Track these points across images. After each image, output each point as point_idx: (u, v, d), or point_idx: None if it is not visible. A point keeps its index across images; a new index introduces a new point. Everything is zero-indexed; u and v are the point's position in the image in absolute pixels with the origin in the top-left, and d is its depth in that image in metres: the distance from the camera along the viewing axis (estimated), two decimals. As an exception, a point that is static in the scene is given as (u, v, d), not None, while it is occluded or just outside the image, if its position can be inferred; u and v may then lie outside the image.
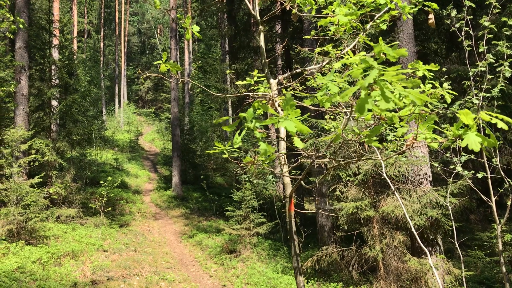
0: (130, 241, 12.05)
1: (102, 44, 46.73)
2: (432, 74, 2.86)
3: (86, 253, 10.18)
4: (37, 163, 11.93)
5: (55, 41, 16.08)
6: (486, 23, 5.85)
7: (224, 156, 2.68)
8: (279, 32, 17.34)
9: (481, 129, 5.56)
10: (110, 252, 10.74)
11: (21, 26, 9.51)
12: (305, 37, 4.13)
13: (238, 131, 2.26)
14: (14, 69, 13.02)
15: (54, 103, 15.18)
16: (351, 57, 2.27)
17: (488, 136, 2.06)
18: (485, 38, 5.97)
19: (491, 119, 1.97)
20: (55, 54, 16.68)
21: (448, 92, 3.11)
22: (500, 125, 1.97)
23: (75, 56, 21.04)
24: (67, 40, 17.59)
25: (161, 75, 3.26)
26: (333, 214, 9.50)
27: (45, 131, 14.31)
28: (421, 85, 2.87)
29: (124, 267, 9.67)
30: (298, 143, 2.12)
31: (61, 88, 15.24)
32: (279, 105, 3.16)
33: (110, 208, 14.23)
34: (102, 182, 13.99)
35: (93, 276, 9.02)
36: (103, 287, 8.57)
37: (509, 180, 5.72)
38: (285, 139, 3.09)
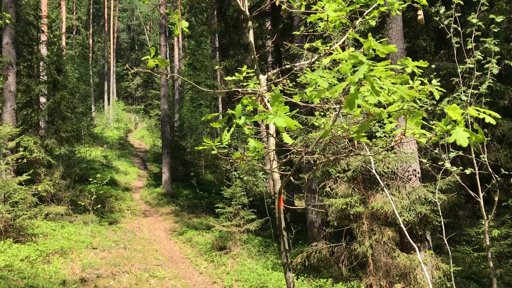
0: (119, 239, 12.00)
1: (91, 41, 46.39)
2: (421, 70, 2.87)
3: (75, 251, 10.12)
4: (25, 160, 11.82)
5: (43, 37, 15.93)
6: (474, 20, 5.89)
7: (213, 152, 2.67)
8: (269, 28, 17.32)
9: (469, 125, 5.60)
10: (99, 250, 10.69)
11: (7, 21, 9.38)
12: (295, 33, 4.13)
13: (227, 128, 2.26)
14: (1, 65, 12.86)
15: (43, 99, 15.04)
16: (340, 53, 2.27)
17: (476, 131, 2.07)
18: (473, 35, 6.01)
19: (478, 114, 1.99)
20: (43, 50, 16.52)
21: (436, 89, 3.12)
22: (488, 119, 1.99)
23: (63, 53, 20.86)
24: (55, 36, 17.43)
25: (149, 71, 3.24)
26: (323, 210, 9.53)
27: (33, 128, 14.17)
28: (410, 81, 2.88)
29: (113, 265, 9.63)
30: (287, 139, 2.11)
31: (50, 84, 15.10)
32: (268, 101, 3.16)
33: (99, 206, 14.15)
34: (91, 179, 13.90)
35: (82, 273, 8.97)
36: (92, 284, 8.52)
37: (496, 176, 5.78)
38: (274, 135, 3.09)
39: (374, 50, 2.22)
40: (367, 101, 1.98)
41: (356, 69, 1.96)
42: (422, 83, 3.15)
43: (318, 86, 2.07)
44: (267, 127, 3.00)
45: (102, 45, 53.68)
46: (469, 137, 1.98)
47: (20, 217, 9.89)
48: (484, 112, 1.99)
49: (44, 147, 13.51)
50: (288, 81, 4.14)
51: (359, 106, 2.23)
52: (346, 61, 2.06)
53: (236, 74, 3.58)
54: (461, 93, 6.09)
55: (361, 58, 1.86)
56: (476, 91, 6.18)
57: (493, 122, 2.01)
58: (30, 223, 10.45)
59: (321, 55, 3.40)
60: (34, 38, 14.45)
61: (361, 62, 1.88)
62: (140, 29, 63.22)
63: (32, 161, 12.92)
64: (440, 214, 6.59)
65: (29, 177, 10.89)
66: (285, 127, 2.04)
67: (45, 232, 10.97)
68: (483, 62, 6.12)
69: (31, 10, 14.65)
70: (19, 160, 11.61)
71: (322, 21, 3.48)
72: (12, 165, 11.62)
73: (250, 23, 3.39)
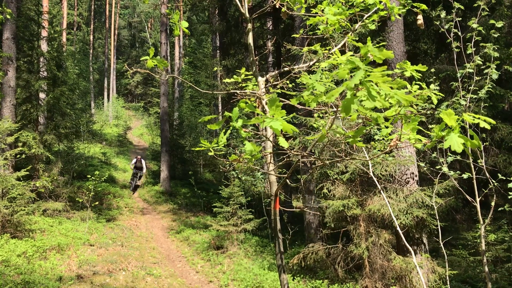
0: (117, 236, 12.00)
1: (91, 37, 46.31)
2: (420, 74, 2.88)
3: (72, 247, 10.12)
4: (23, 156, 11.80)
5: (44, 33, 15.90)
6: (475, 25, 5.90)
7: (210, 153, 2.68)
8: (270, 28, 17.32)
9: (467, 130, 5.61)
10: (96, 247, 10.69)
11: (8, 16, 9.38)
12: (294, 35, 4.14)
13: (224, 130, 2.27)
14: (1, 60, 12.85)
15: (42, 95, 15.02)
16: (338, 57, 2.28)
17: (471, 137, 2.09)
18: (473, 40, 6.02)
19: (473, 120, 2.00)
20: (44, 46, 16.51)
21: (434, 93, 3.13)
22: (483, 124, 2.01)
23: (64, 49, 20.85)
24: (56, 32, 17.44)
25: (148, 71, 3.25)
26: (319, 213, 9.54)
27: (33, 124, 14.16)
28: (408, 86, 2.89)
29: (110, 262, 9.63)
30: (282, 142, 2.12)
31: (49, 80, 15.07)
32: (266, 103, 3.16)
33: (97, 203, 14.14)
34: (89, 176, 13.89)
35: (79, 270, 8.98)
36: (89, 281, 8.53)
37: (493, 181, 5.79)
38: (271, 138, 3.10)
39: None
40: (364, 105, 1.99)
41: (353, 73, 1.97)
42: (420, 88, 3.16)
43: (315, 90, 2.08)
44: (265, 129, 3.01)
45: (102, 42, 53.66)
46: (463, 143, 1.99)
47: (18, 212, 9.88)
48: (479, 118, 2.00)
49: (43, 142, 13.50)
50: (288, 81, 4.15)
51: (356, 110, 2.24)
52: (343, 65, 2.07)
53: (235, 76, 3.58)
54: (460, 98, 6.10)
55: (357, 64, 1.87)
56: (475, 96, 6.20)
57: (488, 127, 2.02)
58: (28, 218, 10.44)
59: (320, 58, 3.41)
60: (34, 33, 14.44)
61: (358, 68, 1.89)
62: (141, 27, 63.19)
63: (30, 157, 12.91)
64: (437, 217, 6.60)
65: (28, 172, 10.88)
66: (282, 130, 2.05)
67: (43, 228, 10.97)
68: (482, 67, 6.14)
69: (32, 6, 14.62)
70: (18, 156, 11.59)
71: (322, 24, 3.49)
72: (10, 161, 11.61)
73: (249, 25, 3.40)
